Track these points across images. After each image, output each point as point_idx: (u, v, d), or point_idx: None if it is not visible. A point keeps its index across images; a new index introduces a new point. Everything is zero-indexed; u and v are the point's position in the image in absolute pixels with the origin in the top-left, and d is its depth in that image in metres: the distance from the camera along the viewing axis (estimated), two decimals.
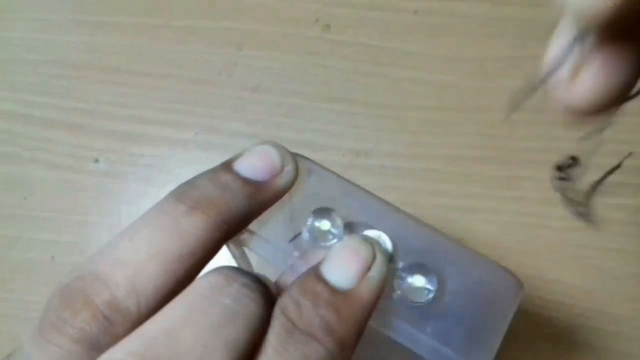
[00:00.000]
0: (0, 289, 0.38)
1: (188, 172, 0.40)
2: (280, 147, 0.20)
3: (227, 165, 0.20)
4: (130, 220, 0.18)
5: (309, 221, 0.21)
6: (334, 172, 0.22)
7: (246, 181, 0.19)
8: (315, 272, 0.18)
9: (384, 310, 0.19)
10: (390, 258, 0.20)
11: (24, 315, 0.37)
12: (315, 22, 0.41)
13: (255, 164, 0.20)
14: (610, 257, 0.36)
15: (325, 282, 0.18)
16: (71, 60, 0.42)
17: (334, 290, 0.18)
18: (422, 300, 0.20)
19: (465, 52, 0.40)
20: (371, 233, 0.21)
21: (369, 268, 0.18)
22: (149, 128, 0.40)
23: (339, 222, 0.21)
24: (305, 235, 0.21)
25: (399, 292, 0.20)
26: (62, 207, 0.39)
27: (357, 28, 0.41)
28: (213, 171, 0.19)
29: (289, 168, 0.20)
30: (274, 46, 0.41)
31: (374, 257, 0.18)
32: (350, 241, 0.19)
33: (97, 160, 0.40)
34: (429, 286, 0.20)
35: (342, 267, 0.18)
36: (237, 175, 0.19)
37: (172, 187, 0.19)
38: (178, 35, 0.42)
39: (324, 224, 0.21)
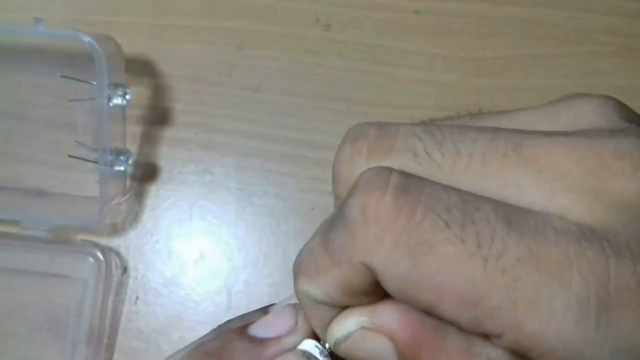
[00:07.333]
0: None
1: (188, 172, 0.40)
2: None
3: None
4: None
5: None
6: None
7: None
8: None
9: None
10: None
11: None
12: (315, 22, 0.41)
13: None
14: None
15: None
16: None
17: None
18: None
19: (465, 52, 0.40)
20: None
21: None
22: (150, 127, 0.40)
23: None
24: None
25: None
26: None
27: (357, 28, 0.41)
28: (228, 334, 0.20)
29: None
30: (274, 46, 0.41)
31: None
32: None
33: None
34: None
35: None
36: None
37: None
38: (178, 35, 0.42)
39: None
